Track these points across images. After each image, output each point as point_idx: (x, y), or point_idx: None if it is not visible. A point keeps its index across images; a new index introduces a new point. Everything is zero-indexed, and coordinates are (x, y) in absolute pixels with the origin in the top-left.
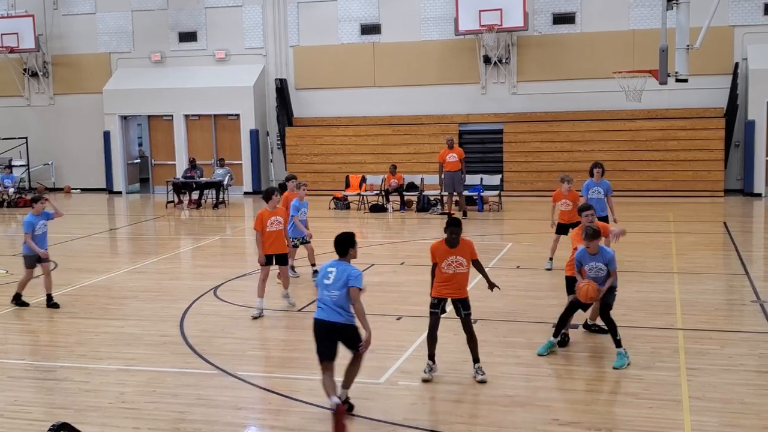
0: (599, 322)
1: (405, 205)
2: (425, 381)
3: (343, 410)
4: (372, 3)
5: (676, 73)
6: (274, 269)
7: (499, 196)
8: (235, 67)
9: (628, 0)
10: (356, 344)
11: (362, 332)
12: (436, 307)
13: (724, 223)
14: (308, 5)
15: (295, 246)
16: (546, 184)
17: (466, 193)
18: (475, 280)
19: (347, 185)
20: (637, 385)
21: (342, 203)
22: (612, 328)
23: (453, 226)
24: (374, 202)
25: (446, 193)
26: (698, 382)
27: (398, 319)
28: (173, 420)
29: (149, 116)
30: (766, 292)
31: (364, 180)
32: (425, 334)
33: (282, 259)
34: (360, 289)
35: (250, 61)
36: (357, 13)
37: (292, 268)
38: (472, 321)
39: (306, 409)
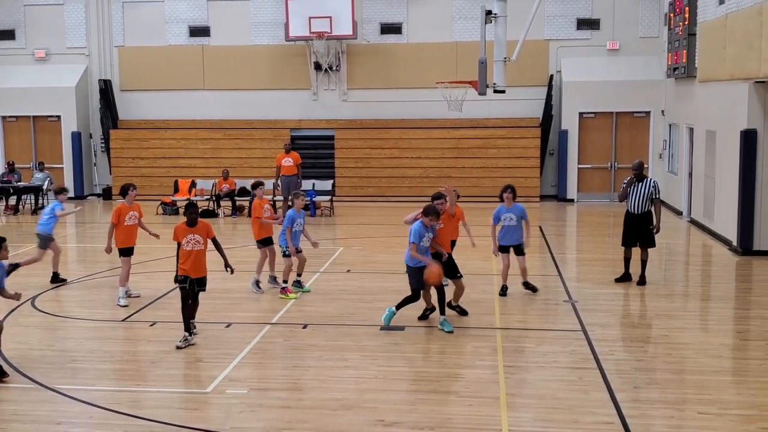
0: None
1: (236, 210)
2: (178, 348)
3: None
4: (200, 5)
5: (495, 84)
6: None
7: (331, 201)
8: (56, 66)
9: (451, 12)
10: None
11: None
12: (184, 282)
13: (540, 227)
14: (134, 5)
15: (286, 255)
16: (376, 189)
17: None
18: (310, 279)
19: (176, 190)
20: (458, 384)
21: (170, 208)
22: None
23: (190, 208)
24: (204, 208)
25: (282, 198)
26: (515, 380)
27: (227, 326)
28: None
29: None
30: (577, 292)
31: (193, 185)
32: (253, 342)
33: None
34: None
35: (73, 61)
36: (185, 14)
37: (275, 278)
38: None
39: (129, 421)
